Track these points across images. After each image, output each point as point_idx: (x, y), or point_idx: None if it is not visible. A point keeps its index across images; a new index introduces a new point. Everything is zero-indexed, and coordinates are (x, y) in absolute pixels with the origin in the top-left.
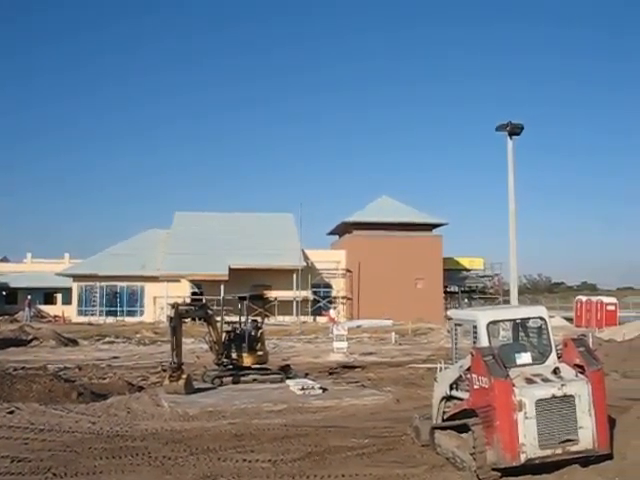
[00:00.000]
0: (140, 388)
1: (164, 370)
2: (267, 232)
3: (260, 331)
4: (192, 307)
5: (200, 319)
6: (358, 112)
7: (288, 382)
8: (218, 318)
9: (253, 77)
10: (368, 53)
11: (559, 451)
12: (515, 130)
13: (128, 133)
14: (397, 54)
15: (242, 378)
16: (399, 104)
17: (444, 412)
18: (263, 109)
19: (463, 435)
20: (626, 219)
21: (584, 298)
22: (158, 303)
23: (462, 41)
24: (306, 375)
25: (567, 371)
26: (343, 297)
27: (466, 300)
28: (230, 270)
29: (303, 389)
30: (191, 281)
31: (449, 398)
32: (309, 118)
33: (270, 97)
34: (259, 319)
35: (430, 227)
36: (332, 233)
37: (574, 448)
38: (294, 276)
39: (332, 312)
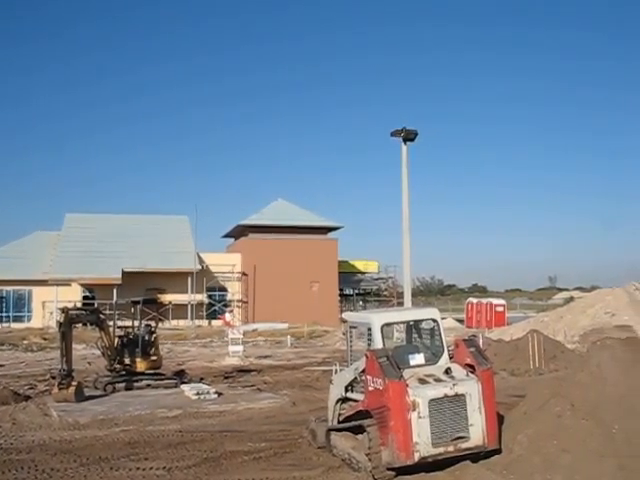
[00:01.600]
0: (27, 397)
1: (53, 377)
2: (161, 235)
3: (154, 335)
4: (83, 312)
5: (92, 324)
6: (253, 115)
7: (183, 387)
8: (111, 323)
9: (147, 81)
10: (262, 63)
11: (451, 448)
12: (409, 136)
13: (16, 131)
14: (289, 60)
15: (135, 384)
16: (293, 108)
17: (340, 414)
18: (157, 110)
19: (359, 436)
20: (515, 223)
21: (475, 300)
22: (47, 308)
23: (356, 44)
24: (201, 380)
25: (458, 371)
26: (239, 300)
27: (361, 303)
28: (123, 273)
29: (198, 394)
30: (82, 285)
31: (344, 400)
32: (204, 120)
33: (164, 98)
34: (153, 323)
35: (325, 230)
36: (227, 236)
37: (465, 445)
38: (189, 279)
39: (227, 315)
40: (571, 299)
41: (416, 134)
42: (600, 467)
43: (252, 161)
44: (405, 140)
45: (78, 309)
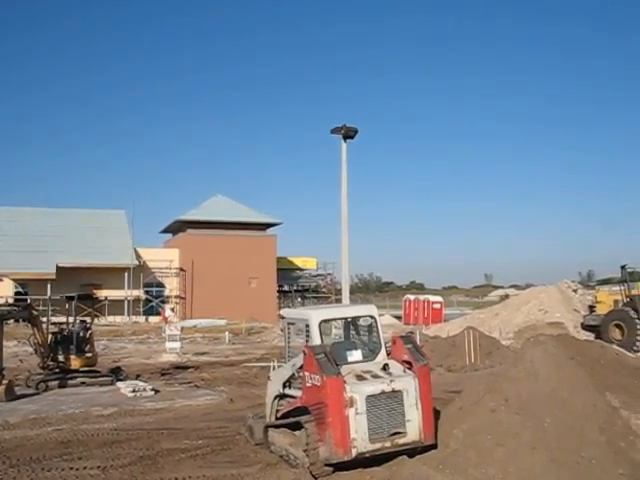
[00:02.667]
0: None
1: None
2: (97, 229)
3: (89, 332)
4: (15, 308)
5: (24, 320)
6: (192, 111)
7: (119, 384)
8: (44, 319)
9: (82, 72)
10: (200, 62)
11: (388, 444)
12: (349, 133)
13: None
14: (229, 58)
15: (70, 382)
16: (232, 105)
17: (277, 410)
18: (94, 102)
19: (296, 433)
20: (452, 222)
21: (412, 297)
22: None
23: (298, 44)
24: (137, 377)
25: (396, 367)
26: (176, 296)
27: (299, 299)
28: (58, 268)
29: (134, 391)
30: (15, 280)
31: (282, 396)
32: (141, 113)
33: (102, 89)
34: (88, 319)
35: (264, 227)
36: (166, 231)
37: (402, 440)
38: (125, 275)
39: (167, 311)
40: (506, 297)
41: (356, 132)
42: (532, 460)
43: (191, 157)
44: (345, 137)
45: (9, 305)
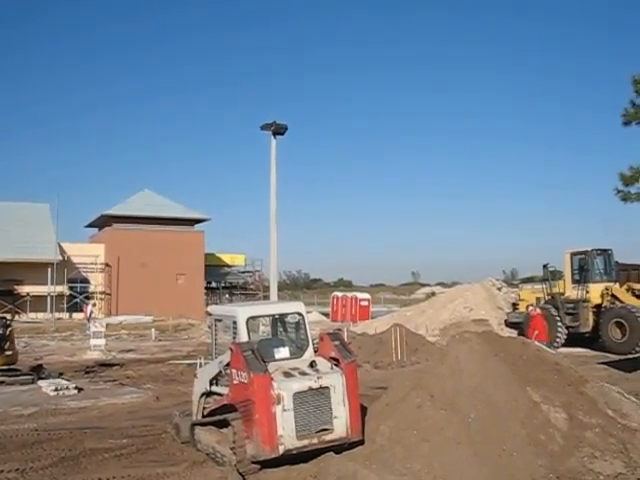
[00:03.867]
0: None
1: None
2: (19, 223)
3: (9, 329)
4: None
5: None
6: (120, 104)
7: (40, 383)
8: None
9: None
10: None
11: (315, 441)
12: (279, 130)
13: None
14: (168, 56)
15: None
16: (161, 96)
17: (204, 408)
18: (16, 92)
19: (223, 430)
20: (380, 220)
21: (340, 294)
22: None
23: (234, 42)
24: (60, 375)
25: (323, 364)
26: (102, 292)
27: (227, 296)
28: None
29: (57, 390)
30: None
31: (209, 394)
32: (67, 105)
33: (23, 79)
34: (8, 316)
35: (192, 222)
36: (91, 226)
37: (329, 437)
38: (48, 270)
39: (90, 307)
40: (433, 294)
41: (286, 128)
42: (457, 454)
43: (119, 151)
44: (275, 134)
45: None
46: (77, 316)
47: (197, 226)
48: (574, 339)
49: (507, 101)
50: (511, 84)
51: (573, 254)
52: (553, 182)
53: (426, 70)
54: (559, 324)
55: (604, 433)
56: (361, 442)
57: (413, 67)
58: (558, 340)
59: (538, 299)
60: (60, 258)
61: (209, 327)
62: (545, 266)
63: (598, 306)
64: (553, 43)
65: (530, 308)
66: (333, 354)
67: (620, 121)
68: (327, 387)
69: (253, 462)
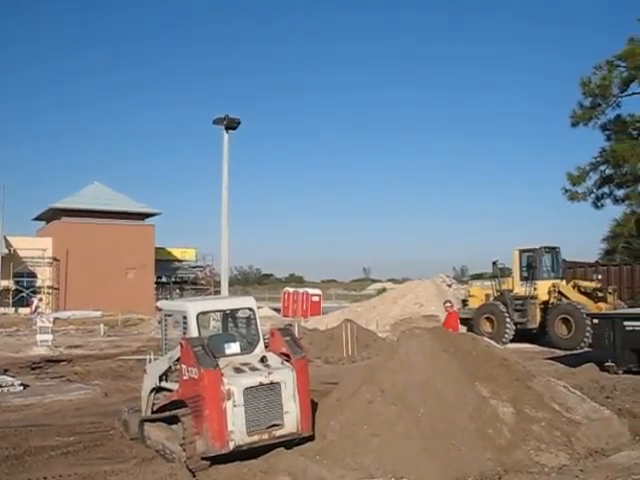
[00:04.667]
0: None
1: None
2: None
3: None
4: None
5: None
6: (69, 97)
7: None
8: None
9: None
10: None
11: (266, 436)
12: (232, 124)
13: None
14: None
15: None
16: (112, 90)
17: (154, 404)
18: None
19: (173, 426)
20: (332, 216)
21: (291, 289)
22: None
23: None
24: (5, 371)
25: (274, 359)
26: (49, 287)
27: (178, 291)
28: None
29: (1, 387)
30: None
31: (159, 390)
32: (15, 96)
33: None
34: None
35: (142, 216)
36: (39, 219)
37: (280, 432)
38: None
39: (36, 302)
40: (383, 290)
41: (239, 122)
42: (407, 449)
43: (68, 143)
44: (227, 128)
45: None
46: (23, 311)
47: (147, 220)
48: (522, 335)
49: (461, 98)
50: (468, 81)
51: (522, 251)
52: (503, 181)
53: (372, 67)
54: (507, 320)
55: (550, 426)
56: (312, 437)
57: (361, 64)
58: (506, 336)
59: (487, 295)
60: (6, 251)
61: (159, 322)
62: (494, 263)
63: (545, 303)
64: (507, 42)
65: (447, 305)
66: (284, 349)
67: (569, 122)
68: (278, 382)
69: (203, 458)
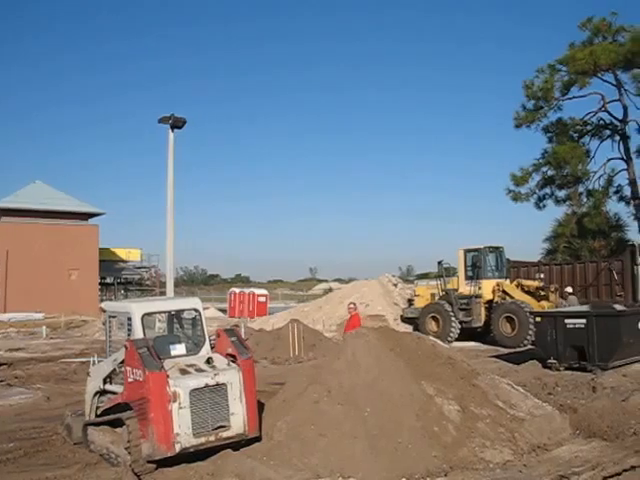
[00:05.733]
0: None
1: None
2: None
3: None
4: None
5: None
6: (9, 91)
7: None
8: None
9: None
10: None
11: (212, 438)
12: (177, 123)
13: None
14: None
15: None
16: (55, 89)
17: (98, 407)
18: None
19: (117, 430)
20: (277, 216)
21: (237, 290)
22: None
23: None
24: None
25: (220, 360)
26: None
27: (122, 292)
28: None
29: None
30: None
31: (103, 393)
32: None
33: None
34: None
35: (86, 216)
36: None
37: (226, 434)
38: None
39: None
40: (330, 290)
41: (184, 122)
42: (353, 448)
43: (7, 141)
44: (173, 127)
45: None
46: None
47: (91, 220)
48: (467, 334)
49: (406, 98)
50: (411, 80)
51: (466, 251)
52: (449, 181)
53: (320, 69)
54: (452, 319)
55: (494, 423)
56: (259, 438)
57: (306, 66)
58: (452, 335)
59: (433, 295)
60: None
61: (103, 324)
62: (439, 263)
63: (490, 301)
64: (448, 42)
65: (350, 307)
66: (230, 350)
67: (512, 124)
68: (224, 384)
69: (148, 461)
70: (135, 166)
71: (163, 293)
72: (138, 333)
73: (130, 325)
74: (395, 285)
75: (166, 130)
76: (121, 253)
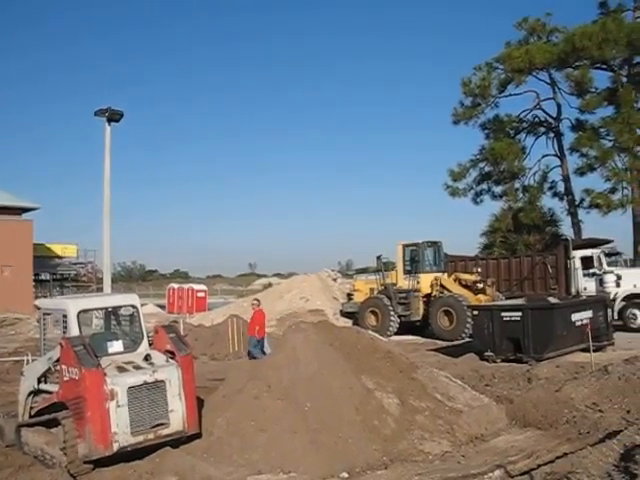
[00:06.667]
0: None
1: None
2: None
3: None
4: None
5: None
6: None
7: None
8: None
9: None
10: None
11: (151, 436)
12: (114, 116)
13: None
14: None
15: None
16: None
17: (32, 408)
18: None
19: (53, 430)
20: (217, 210)
21: (176, 285)
22: None
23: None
24: None
25: (158, 357)
26: None
27: (58, 288)
28: None
29: None
30: None
31: (37, 392)
32: None
33: None
34: None
35: (19, 211)
36: None
37: (165, 431)
38: None
39: None
40: (269, 285)
41: (121, 115)
42: (294, 443)
43: None
44: (109, 120)
45: None
46: None
47: (25, 215)
48: (406, 327)
49: (344, 93)
50: (345, 74)
51: (405, 246)
52: (387, 177)
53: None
54: (391, 313)
55: (433, 416)
56: (198, 435)
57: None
58: (391, 329)
59: (372, 289)
60: None
61: (38, 322)
62: (378, 257)
63: (428, 295)
64: (382, 33)
65: (253, 303)
66: (169, 347)
67: (450, 120)
68: (162, 381)
69: (85, 462)
70: (72, 160)
71: (100, 289)
72: (74, 331)
73: (66, 322)
74: (334, 280)
75: (103, 123)
76: (57, 249)
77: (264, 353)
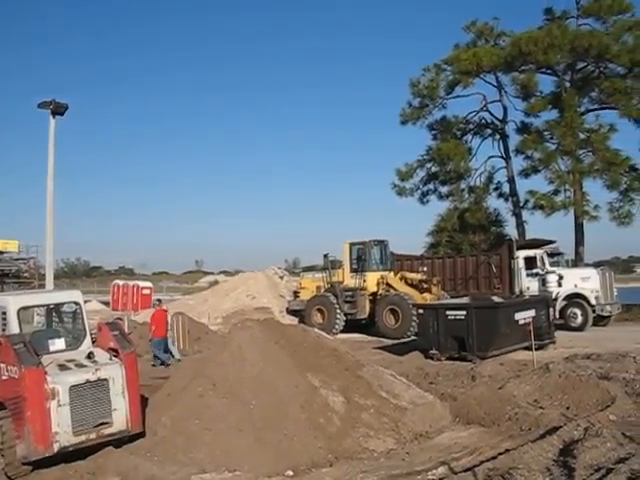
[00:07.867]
0: None
1: None
2: None
3: None
4: None
5: None
6: None
7: None
8: None
9: None
10: None
11: (93, 436)
12: (59, 109)
13: None
14: None
15: None
16: None
17: None
18: None
19: None
20: (160, 205)
21: (121, 282)
22: None
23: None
24: None
25: (101, 355)
26: None
27: None
28: None
29: None
30: None
31: None
32: None
33: None
34: None
35: None
36: None
37: (108, 431)
38: None
39: None
40: (215, 282)
41: (66, 108)
42: (239, 441)
43: None
44: (54, 113)
45: None
46: None
47: None
48: (352, 325)
49: (295, 94)
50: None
51: (352, 244)
52: (335, 176)
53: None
54: (338, 311)
55: (378, 413)
56: (142, 434)
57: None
58: (337, 327)
59: (318, 287)
60: None
61: None
62: (325, 255)
63: (374, 294)
64: (333, 39)
65: (155, 302)
66: (112, 344)
67: (398, 120)
68: (106, 379)
69: (24, 463)
70: (15, 153)
71: (42, 286)
72: (14, 328)
73: (5, 320)
74: (281, 277)
75: (47, 115)
76: None
77: (170, 353)
